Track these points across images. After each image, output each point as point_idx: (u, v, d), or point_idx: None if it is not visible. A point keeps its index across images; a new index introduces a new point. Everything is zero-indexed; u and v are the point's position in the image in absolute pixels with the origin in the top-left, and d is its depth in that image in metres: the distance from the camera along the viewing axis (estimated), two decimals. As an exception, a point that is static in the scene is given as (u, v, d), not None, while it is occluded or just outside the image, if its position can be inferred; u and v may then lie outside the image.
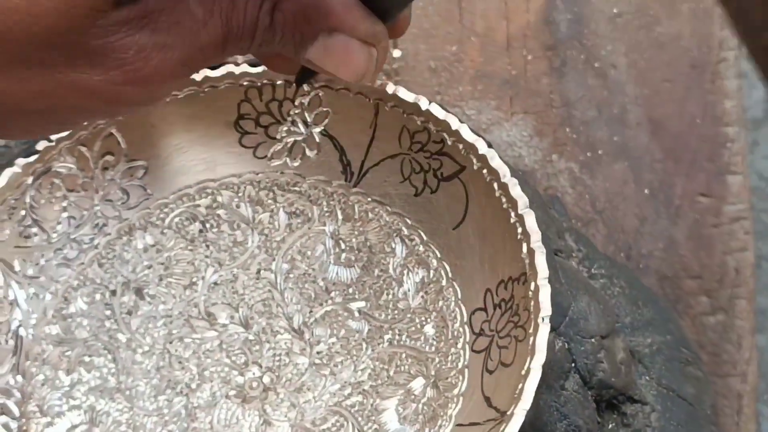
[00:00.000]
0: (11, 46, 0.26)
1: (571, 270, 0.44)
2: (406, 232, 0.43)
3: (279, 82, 0.43)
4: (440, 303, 0.42)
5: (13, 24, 0.25)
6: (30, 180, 0.42)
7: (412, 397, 0.41)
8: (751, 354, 0.53)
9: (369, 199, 0.44)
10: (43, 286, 0.42)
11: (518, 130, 0.55)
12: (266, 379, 0.42)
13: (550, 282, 0.37)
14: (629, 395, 0.43)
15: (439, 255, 0.43)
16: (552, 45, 0.56)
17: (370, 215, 0.44)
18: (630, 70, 0.56)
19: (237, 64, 0.42)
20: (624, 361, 0.42)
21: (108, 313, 0.43)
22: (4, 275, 0.42)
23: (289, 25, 0.30)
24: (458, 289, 0.42)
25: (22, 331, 0.42)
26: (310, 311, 0.43)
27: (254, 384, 0.42)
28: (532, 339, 0.36)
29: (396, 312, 0.42)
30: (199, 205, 0.44)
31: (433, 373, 0.41)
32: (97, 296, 0.43)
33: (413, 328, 0.42)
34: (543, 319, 0.36)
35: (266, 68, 0.41)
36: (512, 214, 0.39)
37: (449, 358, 0.41)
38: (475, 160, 0.40)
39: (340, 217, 0.44)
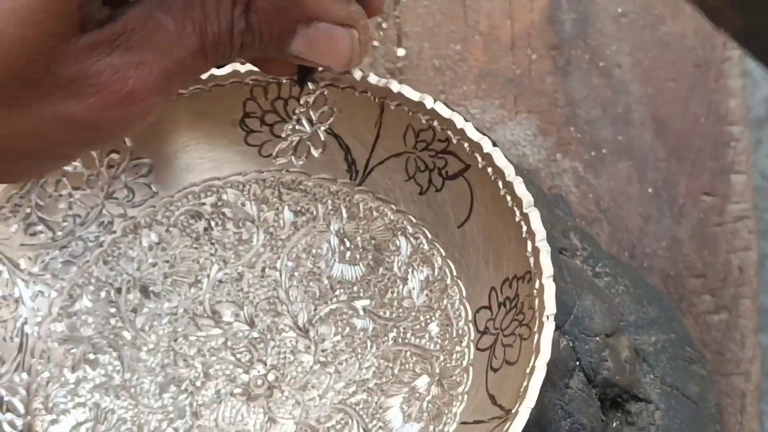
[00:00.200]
0: None
1: (575, 268, 0.44)
2: (410, 230, 0.43)
3: (284, 81, 0.43)
4: (445, 301, 0.42)
5: None
6: (35, 178, 0.42)
7: (417, 395, 0.41)
8: (755, 353, 0.53)
9: (374, 197, 0.44)
10: (49, 284, 0.43)
11: (522, 129, 0.55)
12: (271, 377, 0.42)
13: (554, 280, 0.37)
14: (633, 393, 0.43)
15: (443, 253, 0.43)
16: (556, 44, 0.56)
17: (375, 213, 0.44)
18: (634, 70, 0.56)
19: (242, 63, 0.42)
20: (628, 360, 0.42)
21: (113, 310, 0.43)
22: (10, 273, 0.42)
23: (265, 24, 0.29)
24: (463, 288, 0.42)
25: (27, 329, 0.42)
26: (315, 309, 0.43)
27: (259, 382, 0.42)
28: (536, 337, 0.36)
29: (401, 310, 0.42)
30: (204, 203, 0.44)
31: (437, 371, 0.41)
32: (102, 294, 0.43)
33: (418, 326, 0.42)
34: (548, 317, 0.36)
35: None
36: (517, 212, 0.38)
37: (454, 356, 0.41)
38: (480, 159, 0.40)
39: (344, 215, 0.44)
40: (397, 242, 0.43)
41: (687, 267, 0.53)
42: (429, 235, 0.43)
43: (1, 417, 0.40)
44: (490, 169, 0.40)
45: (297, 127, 0.44)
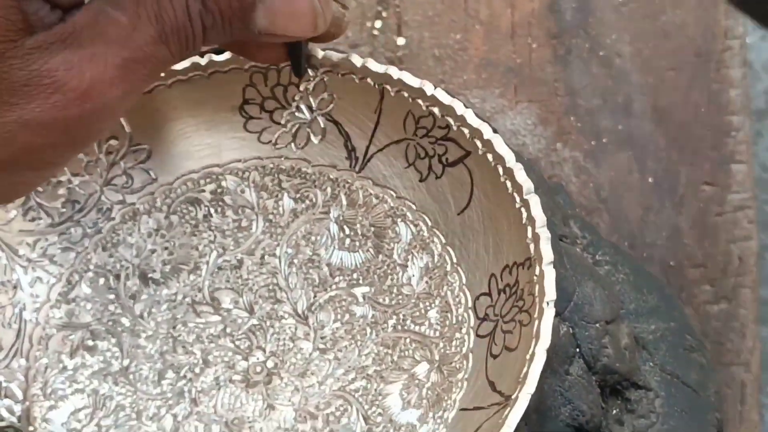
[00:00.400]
0: None
1: (576, 256, 0.44)
2: (410, 217, 0.43)
3: (282, 66, 0.42)
4: (445, 288, 0.42)
5: None
6: (34, 163, 0.42)
7: (417, 381, 0.41)
8: (755, 344, 0.53)
9: (374, 184, 0.44)
10: (47, 270, 0.42)
11: (522, 119, 0.55)
12: (270, 364, 0.42)
13: (555, 267, 0.36)
14: (633, 381, 0.43)
15: (443, 240, 0.42)
16: (557, 33, 0.56)
17: (375, 200, 0.44)
18: (635, 59, 0.56)
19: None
20: (628, 347, 0.42)
21: (112, 297, 0.43)
22: (8, 259, 0.42)
23: (222, 3, 0.29)
24: (463, 274, 0.42)
25: (25, 315, 0.42)
26: (315, 296, 0.43)
27: (258, 368, 0.42)
28: (536, 324, 0.36)
29: (400, 297, 0.42)
30: (203, 190, 0.44)
31: (437, 357, 0.41)
32: (101, 280, 0.43)
33: (417, 313, 0.42)
34: (548, 303, 0.36)
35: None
36: (517, 198, 0.38)
37: (453, 342, 0.41)
38: (480, 145, 0.40)
39: (344, 202, 0.44)
40: (397, 229, 0.43)
41: (687, 257, 0.53)
42: (429, 222, 0.43)
43: (-1, 403, 0.40)
44: (490, 156, 0.39)
45: (297, 113, 0.44)
